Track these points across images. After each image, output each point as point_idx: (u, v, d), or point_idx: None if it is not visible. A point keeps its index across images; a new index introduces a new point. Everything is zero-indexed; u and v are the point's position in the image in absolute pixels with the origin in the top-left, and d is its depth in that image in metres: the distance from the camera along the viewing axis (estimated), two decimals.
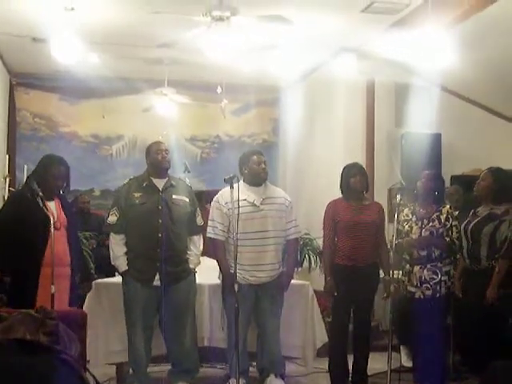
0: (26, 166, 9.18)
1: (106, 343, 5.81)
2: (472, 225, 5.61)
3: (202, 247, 5.76)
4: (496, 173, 5.68)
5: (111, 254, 5.63)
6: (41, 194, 5.10)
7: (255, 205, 5.68)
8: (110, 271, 7.70)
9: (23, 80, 10.43)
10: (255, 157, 5.81)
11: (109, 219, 5.65)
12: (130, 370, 5.69)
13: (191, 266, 5.66)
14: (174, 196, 5.62)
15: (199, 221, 5.77)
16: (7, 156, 9.69)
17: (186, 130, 11.00)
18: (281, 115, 11.18)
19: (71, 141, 10.66)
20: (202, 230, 5.78)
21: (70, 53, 7.16)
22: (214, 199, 5.77)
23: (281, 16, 6.68)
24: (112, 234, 5.63)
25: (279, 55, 8.51)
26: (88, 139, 10.77)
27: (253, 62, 8.49)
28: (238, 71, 8.77)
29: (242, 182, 5.70)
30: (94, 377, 1.77)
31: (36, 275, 5.07)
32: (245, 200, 5.56)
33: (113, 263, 5.67)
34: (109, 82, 9.77)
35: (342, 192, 5.99)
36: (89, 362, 5.10)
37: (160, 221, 5.50)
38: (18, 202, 5.51)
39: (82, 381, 1.69)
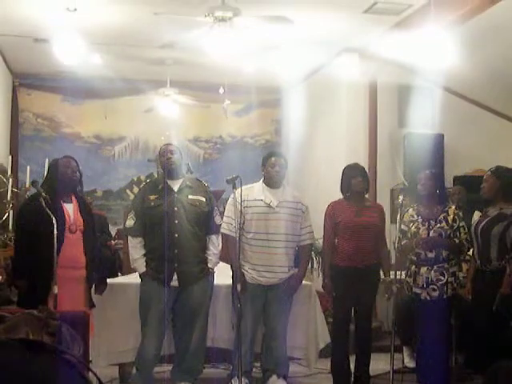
0: (28, 167, 9.19)
1: (108, 344, 5.82)
2: (482, 225, 5.56)
3: (220, 246, 5.76)
4: (498, 172, 5.63)
5: (130, 257, 5.72)
6: (44, 194, 5.10)
7: (271, 206, 5.71)
8: (112, 271, 7.74)
9: (25, 81, 10.43)
10: (272, 159, 5.90)
11: (126, 223, 5.74)
12: (134, 370, 5.70)
13: (210, 265, 5.67)
14: (189, 196, 5.64)
15: (218, 220, 5.76)
16: (10, 156, 9.68)
17: (189, 130, 10.99)
18: (283, 116, 11.17)
19: (74, 141, 10.65)
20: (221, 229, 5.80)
21: (72, 53, 7.17)
22: (231, 196, 5.78)
23: (283, 16, 6.67)
24: (130, 237, 5.71)
25: (281, 56, 8.51)
26: (90, 140, 10.77)
27: (255, 63, 8.50)
28: (240, 72, 8.77)
29: (261, 182, 5.84)
30: (97, 377, 1.76)
31: (47, 278, 5.08)
32: (261, 200, 5.66)
33: (132, 266, 5.76)
34: (111, 83, 9.77)
35: (342, 193, 5.98)
36: (91, 362, 5.13)
37: (177, 221, 5.53)
38: (27, 206, 5.55)
39: (85, 381, 1.69)
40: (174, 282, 5.52)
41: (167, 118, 9.96)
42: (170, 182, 5.70)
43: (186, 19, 6.74)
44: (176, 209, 5.56)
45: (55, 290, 4.93)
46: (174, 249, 5.49)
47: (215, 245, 5.73)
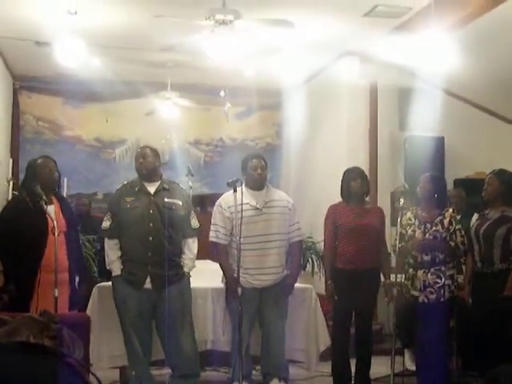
0: None
1: (109, 347, 5.81)
2: (484, 228, 5.56)
3: (196, 250, 5.72)
4: (501, 175, 5.64)
5: (106, 259, 5.69)
6: (45, 198, 5.10)
7: (257, 208, 5.69)
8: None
9: (26, 83, 10.43)
10: (253, 161, 5.84)
11: (103, 225, 5.71)
12: (133, 373, 5.69)
13: (185, 269, 5.64)
14: (166, 199, 5.61)
15: (194, 224, 5.73)
16: (11, 159, 9.69)
17: (189, 133, 10.99)
18: (284, 119, 11.17)
19: (75, 144, 10.64)
20: (198, 233, 5.77)
21: (73, 56, 7.16)
22: (217, 203, 5.79)
23: (284, 20, 6.68)
24: (106, 239, 5.69)
25: (282, 59, 8.50)
26: (91, 143, 10.76)
27: (256, 66, 8.49)
28: (241, 75, 8.78)
29: (244, 186, 5.71)
30: (98, 379, 1.76)
31: (32, 281, 5.07)
32: (247, 203, 5.59)
33: (108, 268, 5.72)
34: (112, 86, 9.76)
35: (342, 196, 5.99)
36: (92, 365, 5.12)
37: (151, 224, 5.52)
38: (8, 210, 5.54)
39: None
40: (147, 285, 5.50)
41: (168, 121, 9.96)
42: (146, 184, 5.68)
43: (187, 22, 6.74)
44: (151, 211, 5.55)
45: (56, 293, 4.90)
46: (147, 252, 5.49)
47: (191, 249, 5.68)
